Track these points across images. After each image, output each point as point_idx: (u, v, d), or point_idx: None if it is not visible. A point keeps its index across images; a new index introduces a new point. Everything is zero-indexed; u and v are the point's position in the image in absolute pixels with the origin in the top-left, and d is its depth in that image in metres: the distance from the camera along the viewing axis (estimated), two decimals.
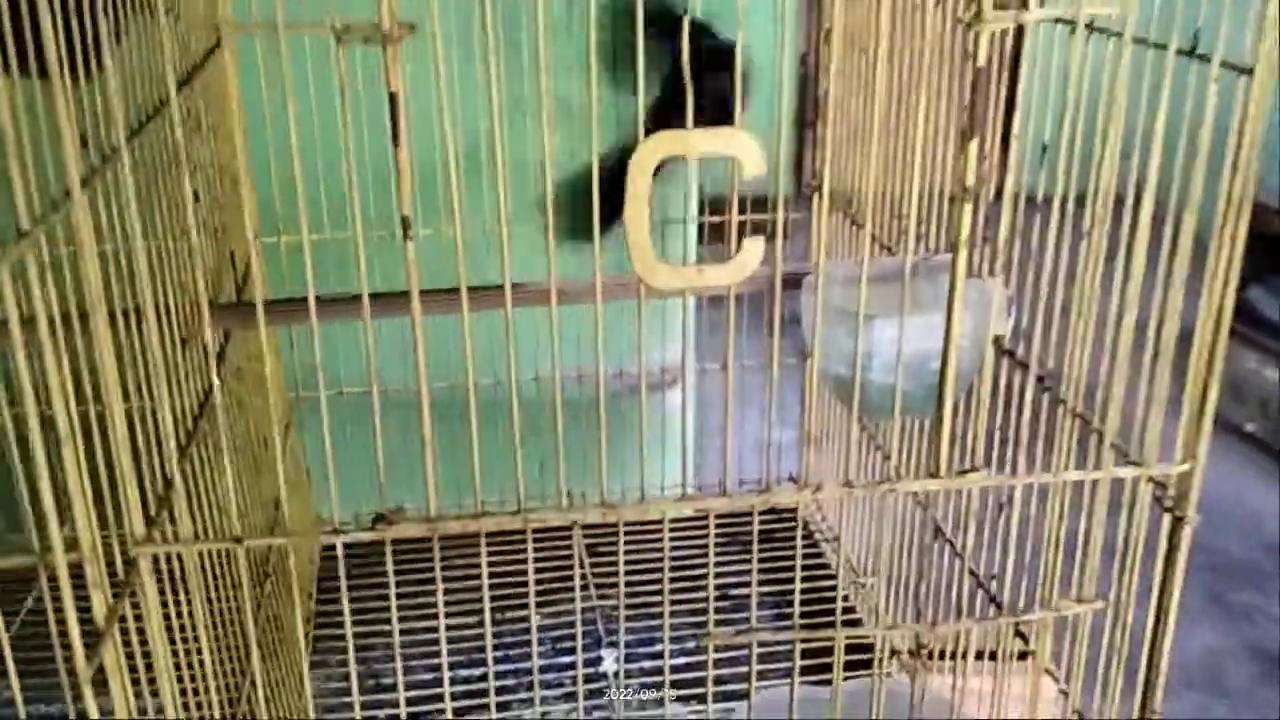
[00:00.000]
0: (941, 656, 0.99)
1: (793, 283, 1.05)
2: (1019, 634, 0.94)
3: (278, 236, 1.29)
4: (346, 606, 0.73)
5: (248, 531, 0.68)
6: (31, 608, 1.28)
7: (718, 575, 1.36)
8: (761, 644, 0.83)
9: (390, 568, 0.74)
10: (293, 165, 0.88)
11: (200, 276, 0.69)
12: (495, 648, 1.29)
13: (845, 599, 1.29)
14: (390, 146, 0.59)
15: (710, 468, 1.40)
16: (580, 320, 0.85)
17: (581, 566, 1.37)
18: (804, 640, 0.77)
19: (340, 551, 0.71)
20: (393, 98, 0.56)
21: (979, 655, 0.93)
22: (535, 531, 0.76)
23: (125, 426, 0.66)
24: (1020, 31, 0.74)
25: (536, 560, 0.87)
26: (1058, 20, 0.67)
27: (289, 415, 1.35)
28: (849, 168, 1.33)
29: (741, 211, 1.46)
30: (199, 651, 0.74)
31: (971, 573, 0.88)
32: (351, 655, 0.76)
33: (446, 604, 1.10)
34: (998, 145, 0.89)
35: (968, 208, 0.63)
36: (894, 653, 1.23)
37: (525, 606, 1.28)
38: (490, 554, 1.00)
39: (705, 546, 1.39)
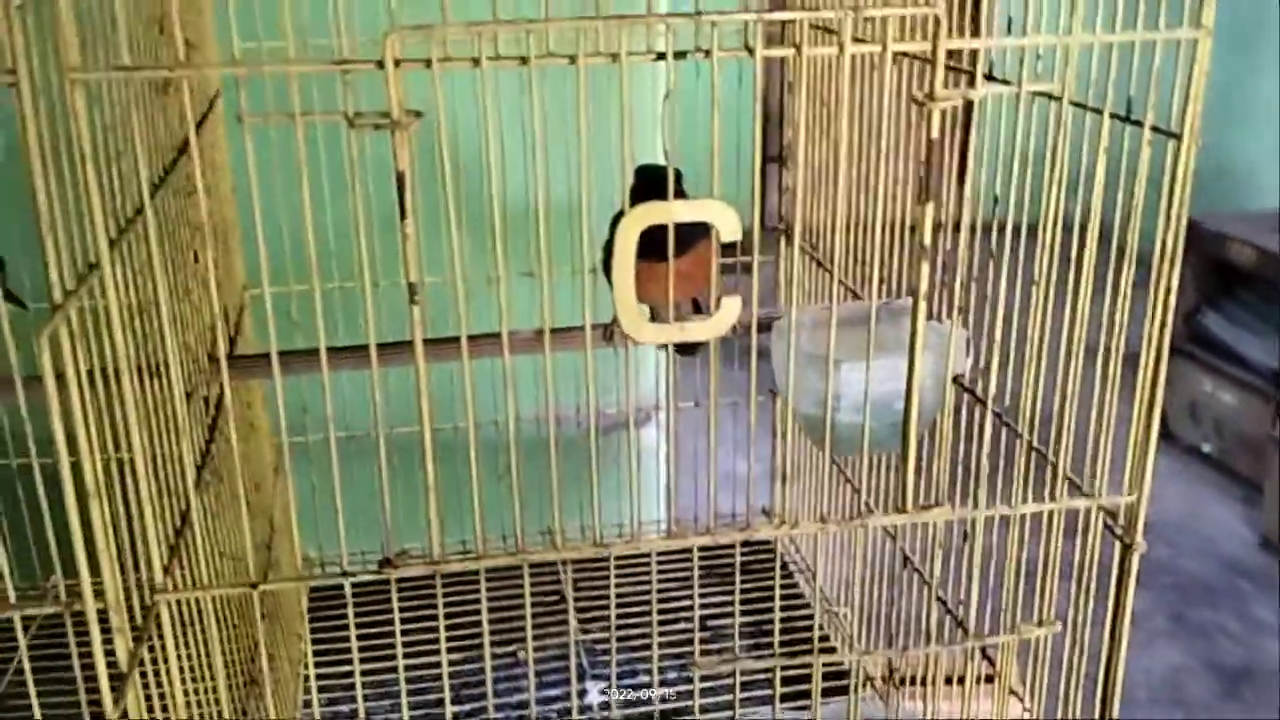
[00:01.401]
0: (913, 682, 1.04)
1: (764, 326, 1.11)
2: (985, 657, 1.00)
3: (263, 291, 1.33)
4: (355, 644, 0.77)
5: (259, 576, 0.72)
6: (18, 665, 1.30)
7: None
8: (742, 671, 0.88)
9: (395, 607, 0.78)
10: (282, 228, 0.92)
11: (219, 329, 0.74)
12: (479, 683, 1.32)
13: (820, 628, 1.34)
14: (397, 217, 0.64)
15: (682, 504, 1.45)
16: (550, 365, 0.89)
17: (564, 602, 1.41)
18: (783, 667, 0.82)
19: (349, 591, 0.75)
20: (400, 177, 0.61)
21: (948, 680, 0.98)
22: (514, 570, 0.80)
23: (147, 479, 0.70)
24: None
25: (515, 598, 0.91)
26: (1004, 92, 0.73)
27: (276, 460, 1.39)
28: (812, 210, 1.39)
29: None
30: (214, 693, 0.78)
31: (939, 600, 0.93)
32: (359, 689, 0.80)
33: (420, 645, 1.13)
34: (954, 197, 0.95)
35: (925, 265, 0.69)
36: (868, 679, 1.28)
37: (506, 643, 1.32)
38: (468, 594, 1.04)
39: (683, 579, 1.43)
